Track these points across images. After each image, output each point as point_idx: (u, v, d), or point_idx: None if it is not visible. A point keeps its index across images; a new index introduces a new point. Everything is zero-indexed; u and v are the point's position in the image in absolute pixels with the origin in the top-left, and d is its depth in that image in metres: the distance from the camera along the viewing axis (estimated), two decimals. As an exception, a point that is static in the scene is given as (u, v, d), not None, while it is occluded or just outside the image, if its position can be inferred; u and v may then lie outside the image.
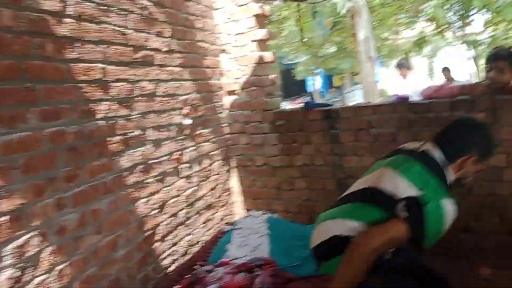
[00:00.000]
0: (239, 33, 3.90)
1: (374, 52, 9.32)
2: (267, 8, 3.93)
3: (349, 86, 20.14)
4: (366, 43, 8.97)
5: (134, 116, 2.70)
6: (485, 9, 9.38)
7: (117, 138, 2.54)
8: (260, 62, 3.87)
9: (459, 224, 3.27)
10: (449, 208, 1.66)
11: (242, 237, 3.08)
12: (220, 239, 3.22)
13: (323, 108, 3.72)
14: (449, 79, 9.80)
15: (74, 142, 2.19)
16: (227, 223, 3.49)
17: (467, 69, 17.95)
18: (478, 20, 17.69)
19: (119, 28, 2.57)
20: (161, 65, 2.99)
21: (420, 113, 3.34)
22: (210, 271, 2.66)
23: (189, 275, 2.65)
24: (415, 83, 5.94)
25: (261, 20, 3.89)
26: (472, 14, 11.02)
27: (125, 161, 2.60)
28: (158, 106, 2.96)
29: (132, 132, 2.69)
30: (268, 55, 3.88)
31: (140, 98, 2.76)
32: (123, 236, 2.56)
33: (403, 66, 6.44)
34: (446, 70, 10.18)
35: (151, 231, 2.84)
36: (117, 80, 2.53)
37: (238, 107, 4.03)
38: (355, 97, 16.54)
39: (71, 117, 2.19)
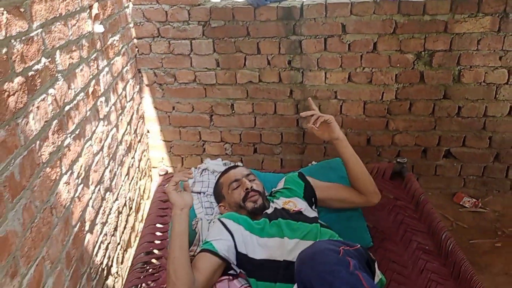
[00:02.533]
0: None
1: None
2: None
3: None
4: None
5: (35, 32, 1.40)
6: None
7: (17, 80, 1.27)
8: None
9: (439, 149, 2.82)
10: None
11: (207, 202, 2.13)
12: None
13: (279, 3, 2.70)
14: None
15: None
16: (164, 176, 2.44)
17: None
18: None
19: None
20: None
21: (412, 15, 2.58)
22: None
23: None
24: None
25: None
26: None
27: (33, 122, 1.37)
28: (64, 7, 1.65)
29: (38, 62, 1.41)
30: None
31: (39, -6, 1.44)
32: (48, 256, 1.43)
33: None
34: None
35: (79, 223, 1.73)
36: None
37: (149, -1, 2.76)
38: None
39: None
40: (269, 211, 1.84)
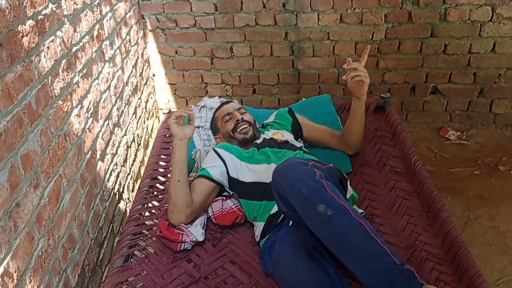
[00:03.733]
0: None
1: None
2: None
3: None
4: None
5: (42, -23, 1.61)
6: None
7: (28, 23, 1.49)
8: None
9: (427, 86, 2.98)
10: None
11: (205, 135, 2.37)
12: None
13: None
14: None
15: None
16: (168, 114, 2.67)
17: None
18: None
19: None
20: None
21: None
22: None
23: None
24: None
25: None
26: None
27: (44, 60, 1.59)
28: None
29: (46, 8, 1.62)
30: None
31: None
32: (65, 175, 1.70)
33: None
34: None
35: (91, 151, 1.98)
36: None
37: None
38: None
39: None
40: (259, 141, 2.08)
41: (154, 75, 3.31)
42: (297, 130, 2.18)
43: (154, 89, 3.35)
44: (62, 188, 1.66)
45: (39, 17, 1.57)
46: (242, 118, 2.08)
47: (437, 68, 2.95)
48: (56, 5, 1.71)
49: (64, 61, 1.75)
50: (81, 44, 1.95)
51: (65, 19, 1.80)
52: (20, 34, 1.42)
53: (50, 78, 1.62)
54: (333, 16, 2.91)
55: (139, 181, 2.72)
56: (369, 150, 2.27)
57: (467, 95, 3.00)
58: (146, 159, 2.97)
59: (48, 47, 1.62)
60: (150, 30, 3.14)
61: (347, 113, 2.52)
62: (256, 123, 2.19)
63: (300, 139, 2.18)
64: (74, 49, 1.87)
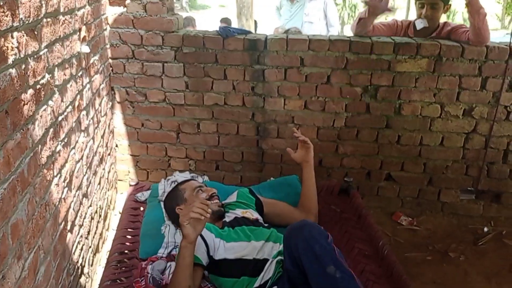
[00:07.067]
0: None
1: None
2: None
3: None
4: None
5: (42, 51, 1.64)
6: None
7: (29, 92, 1.50)
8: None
9: (381, 173, 3.18)
10: None
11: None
12: (143, 217, 2.43)
13: (246, 36, 3.01)
14: None
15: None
16: (135, 186, 2.65)
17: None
18: None
19: None
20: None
21: (361, 54, 2.96)
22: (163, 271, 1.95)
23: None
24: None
25: None
26: None
27: (38, 128, 1.58)
28: (62, 30, 1.89)
29: (43, 77, 1.64)
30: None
31: (47, 19, 1.68)
32: (43, 246, 1.63)
33: None
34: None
35: (63, 221, 1.92)
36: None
37: (126, 23, 3.01)
38: None
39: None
40: (228, 219, 2.11)
41: (117, 146, 3.30)
42: (260, 209, 2.25)
43: (116, 160, 3.32)
44: (39, 260, 1.59)
45: (37, 87, 1.58)
46: (215, 193, 2.13)
47: (391, 156, 3.18)
48: (50, 75, 1.73)
49: (51, 130, 1.75)
50: (65, 113, 1.95)
51: (56, 89, 1.81)
52: (23, 102, 1.43)
53: (40, 146, 1.60)
54: (298, 102, 3.10)
55: (97, 254, 2.63)
56: (336, 232, 2.36)
57: (417, 183, 3.23)
58: (104, 231, 2.88)
59: (41, 116, 1.62)
60: (118, 102, 3.17)
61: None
62: None
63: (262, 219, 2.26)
64: (60, 118, 1.87)
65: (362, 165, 3.23)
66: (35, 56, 1.55)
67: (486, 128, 3.06)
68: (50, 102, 1.73)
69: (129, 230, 2.32)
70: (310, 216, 2.24)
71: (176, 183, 2.45)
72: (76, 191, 2.15)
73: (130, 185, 2.69)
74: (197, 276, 1.81)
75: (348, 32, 5.16)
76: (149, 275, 1.84)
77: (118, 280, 1.98)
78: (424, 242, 3.03)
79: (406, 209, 3.31)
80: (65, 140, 1.95)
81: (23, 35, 1.42)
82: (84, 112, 2.32)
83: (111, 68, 3.08)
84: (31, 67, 1.50)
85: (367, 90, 3.03)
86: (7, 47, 1.29)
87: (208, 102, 3.14)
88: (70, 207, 2.02)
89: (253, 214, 2.19)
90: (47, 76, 1.68)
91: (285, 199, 2.37)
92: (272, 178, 2.71)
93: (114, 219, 3.11)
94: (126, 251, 2.19)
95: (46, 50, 1.67)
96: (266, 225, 2.13)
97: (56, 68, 1.81)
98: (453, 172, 3.17)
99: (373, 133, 3.14)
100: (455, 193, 3.22)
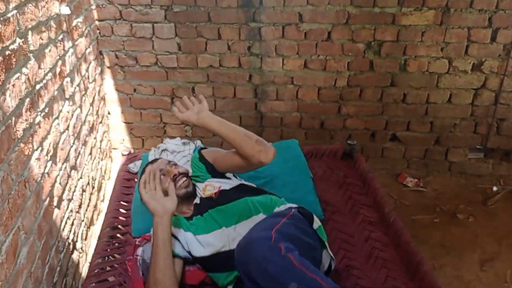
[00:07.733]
0: None
1: None
2: None
3: None
4: None
5: (11, 13, 1.47)
6: None
7: (-5, 58, 1.35)
8: None
9: (386, 133, 3.05)
10: None
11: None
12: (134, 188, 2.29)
13: (240, -8, 2.81)
14: None
15: None
16: (127, 156, 2.52)
17: None
18: None
19: None
20: None
21: (363, 7, 2.77)
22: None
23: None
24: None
25: None
26: None
27: (10, 98, 1.44)
28: (34, -12, 1.71)
29: (13, 42, 1.48)
30: None
31: (13, -25, 1.50)
32: (23, 227, 1.52)
33: None
34: None
35: (48, 197, 1.80)
36: None
37: (112, -19, 2.80)
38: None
39: None
40: (197, 200, 1.84)
41: (109, 113, 3.15)
42: (212, 170, 1.91)
43: (109, 128, 3.18)
44: (19, 241, 1.47)
45: (7, 52, 1.42)
46: (178, 172, 1.81)
47: (396, 116, 3.03)
48: (23, 39, 1.57)
49: (27, 100, 1.60)
50: (44, 81, 1.80)
51: (31, 54, 1.65)
52: (-13, 71, 1.28)
53: (13, 118, 1.46)
54: (298, 61, 2.93)
55: (92, 227, 2.53)
56: (340, 197, 2.24)
57: (424, 143, 3.09)
58: (99, 203, 2.78)
59: (13, 85, 1.47)
60: (108, 67, 3.00)
61: (314, 158, 2.51)
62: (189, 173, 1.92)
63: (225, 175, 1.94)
64: (37, 86, 1.72)
65: (366, 126, 3.09)
66: (1, 19, 1.38)
67: (496, 83, 2.89)
68: (24, 70, 1.57)
69: (122, 203, 2.20)
70: (255, 159, 1.68)
71: (166, 151, 2.31)
72: (63, 163, 2.02)
73: (122, 155, 2.55)
74: (177, 267, 1.65)
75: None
76: (139, 257, 1.73)
77: (110, 257, 1.88)
78: (431, 203, 2.93)
79: (412, 170, 3.19)
80: (46, 110, 1.81)
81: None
82: (67, 79, 2.17)
83: (98, 31, 2.90)
84: (-5, 31, 1.34)
85: (370, 46, 2.85)
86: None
87: (203, 64, 2.97)
88: (55, 181, 1.90)
89: (214, 185, 1.88)
90: (18, 40, 1.52)
91: (284, 163, 2.23)
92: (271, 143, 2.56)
93: (109, 190, 3.00)
94: (119, 226, 2.07)
95: (15, 11, 1.50)
96: (235, 185, 1.84)
97: (29, 32, 1.65)
98: (461, 130, 3.03)
99: (377, 92, 2.98)
100: (463, 152, 3.09)
